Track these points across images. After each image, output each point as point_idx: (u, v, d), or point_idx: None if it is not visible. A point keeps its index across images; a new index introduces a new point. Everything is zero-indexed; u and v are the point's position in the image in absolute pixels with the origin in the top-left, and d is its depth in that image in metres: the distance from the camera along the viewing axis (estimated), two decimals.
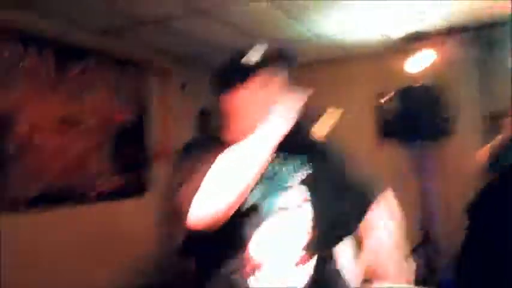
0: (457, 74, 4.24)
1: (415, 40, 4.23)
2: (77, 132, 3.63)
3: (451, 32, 4.10)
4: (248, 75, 1.25)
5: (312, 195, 1.28)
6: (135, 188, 4.21)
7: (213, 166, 1.13)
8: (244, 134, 1.18)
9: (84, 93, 3.74)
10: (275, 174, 1.29)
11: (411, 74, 4.06)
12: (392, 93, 3.97)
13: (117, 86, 4.09)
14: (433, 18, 3.87)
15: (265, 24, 3.87)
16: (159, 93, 4.83)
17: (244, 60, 1.25)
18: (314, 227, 1.25)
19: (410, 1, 3.46)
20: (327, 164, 1.34)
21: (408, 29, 4.15)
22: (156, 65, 4.65)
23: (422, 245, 3.71)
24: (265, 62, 1.27)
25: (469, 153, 3.87)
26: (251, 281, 1.17)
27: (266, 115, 1.16)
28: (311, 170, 1.31)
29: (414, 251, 3.42)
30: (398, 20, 3.93)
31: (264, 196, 1.24)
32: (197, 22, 3.77)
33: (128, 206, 4.15)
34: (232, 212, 1.12)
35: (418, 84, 3.15)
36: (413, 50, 4.23)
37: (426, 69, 4.09)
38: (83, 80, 3.73)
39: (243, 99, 1.28)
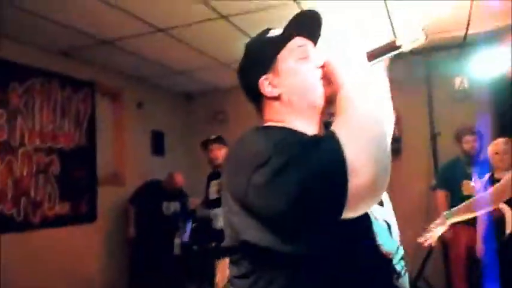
0: (405, 94, 4.40)
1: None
2: (20, 155, 3.41)
3: (400, 54, 4.25)
4: None
5: None
6: (84, 214, 3.99)
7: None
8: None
9: (28, 113, 3.54)
10: None
11: None
12: None
13: (66, 106, 3.91)
14: (383, 40, 4.00)
15: (221, 43, 3.86)
16: (111, 113, 4.68)
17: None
18: None
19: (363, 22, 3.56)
20: None
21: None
22: (107, 85, 4.51)
23: None
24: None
25: (416, 172, 4.00)
26: None
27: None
28: None
29: None
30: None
31: None
32: (151, 42, 3.70)
33: (76, 233, 3.93)
34: None
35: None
36: None
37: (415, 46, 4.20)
38: (26, 100, 3.53)
39: None
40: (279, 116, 1.08)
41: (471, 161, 3.58)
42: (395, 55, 1.08)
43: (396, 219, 1.10)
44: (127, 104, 4.79)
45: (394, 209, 1.13)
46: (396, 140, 4.31)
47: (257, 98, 1.11)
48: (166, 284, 4.38)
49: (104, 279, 4.21)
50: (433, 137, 4.16)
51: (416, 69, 4.30)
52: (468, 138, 3.59)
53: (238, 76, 1.17)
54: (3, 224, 3.24)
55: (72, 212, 3.85)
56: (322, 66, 1.05)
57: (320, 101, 1.05)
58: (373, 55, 1.03)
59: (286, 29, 1.10)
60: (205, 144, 3.80)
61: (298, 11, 1.13)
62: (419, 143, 4.22)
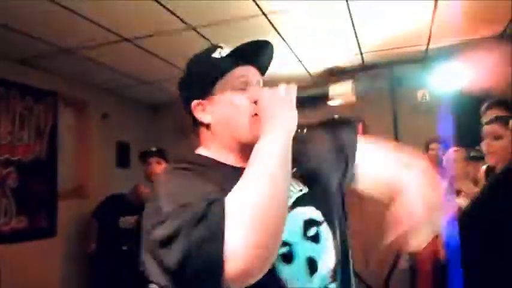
0: (370, 106, 4.52)
1: (332, 75, 4.45)
2: None
3: (364, 68, 4.37)
4: None
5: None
6: (43, 228, 3.81)
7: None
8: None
9: None
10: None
11: (330, 107, 4.23)
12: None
13: (26, 117, 3.75)
14: (348, 55, 4.11)
15: (189, 54, 3.82)
16: (75, 124, 4.54)
17: None
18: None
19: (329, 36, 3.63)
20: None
21: (326, 65, 4.36)
22: (71, 96, 4.38)
23: None
24: None
25: None
26: None
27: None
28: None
29: None
30: (317, 57, 4.11)
31: None
32: (116, 51, 3.62)
33: (34, 249, 3.74)
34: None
35: (337, 117, 3.30)
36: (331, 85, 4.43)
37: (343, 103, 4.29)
38: None
39: None
40: (206, 143, 1.09)
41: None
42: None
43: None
44: (92, 114, 4.66)
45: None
46: None
47: (193, 119, 1.10)
48: None
49: None
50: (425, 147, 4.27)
51: (380, 82, 4.42)
52: (433, 146, 3.72)
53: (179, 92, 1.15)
54: None
55: (30, 227, 3.67)
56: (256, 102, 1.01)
57: (246, 137, 1.01)
58: (302, 101, 1.03)
59: (232, 53, 1.06)
60: (144, 157, 3.50)
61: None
62: None
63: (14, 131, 3.64)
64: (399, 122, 4.39)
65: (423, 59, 4.32)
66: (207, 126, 1.07)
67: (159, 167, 3.34)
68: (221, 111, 1.05)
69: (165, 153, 3.57)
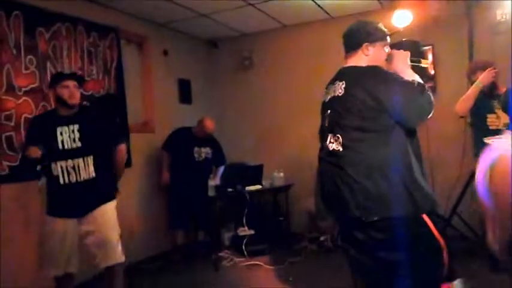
0: (443, 28, 4.19)
1: None
2: (52, 100, 3.43)
3: None
4: None
5: None
6: None
7: None
8: None
9: (57, 59, 3.52)
10: None
11: (398, 30, 3.97)
12: None
13: (93, 52, 3.87)
14: None
15: None
16: (138, 61, 4.64)
17: None
18: None
19: None
20: None
21: None
22: (132, 32, 4.44)
23: None
24: None
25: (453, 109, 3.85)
26: None
27: None
28: None
29: None
30: None
31: None
32: None
33: None
34: None
35: (406, 39, 3.08)
36: (398, 6, 4.14)
37: (412, 24, 4.01)
38: (54, 45, 3.50)
39: None
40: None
41: (492, 93, 3.37)
42: None
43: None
44: (153, 51, 4.73)
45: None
46: (431, 79, 4.14)
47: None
48: (204, 224, 4.52)
49: (142, 221, 4.34)
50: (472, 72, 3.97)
51: (456, 3, 4.07)
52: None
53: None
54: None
55: None
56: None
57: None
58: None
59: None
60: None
61: None
62: (457, 77, 4.02)
63: (84, 66, 3.79)
64: (475, 43, 4.05)
65: None
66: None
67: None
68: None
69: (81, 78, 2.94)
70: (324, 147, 1.92)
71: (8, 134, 3.13)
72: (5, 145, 3.11)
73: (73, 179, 2.58)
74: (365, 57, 1.89)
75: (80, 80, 2.78)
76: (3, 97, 3.12)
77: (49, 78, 3.23)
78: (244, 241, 4.24)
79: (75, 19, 3.71)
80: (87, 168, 2.62)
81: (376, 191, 1.69)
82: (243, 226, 4.35)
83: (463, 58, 4.08)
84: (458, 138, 3.91)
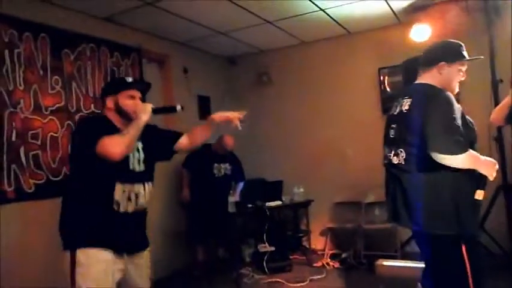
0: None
1: (418, 10, 4.12)
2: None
3: None
4: None
5: None
6: None
7: None
8: None
9: (81, 79, 3.63)
10: None
11: (416, 44, 3.95)
12: None
13: (115, 72, 3.97)
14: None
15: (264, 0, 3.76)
16: (159, 79, 4.74)
17: None
18: None
19: None
20: None
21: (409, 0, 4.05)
22: (153, 51, 4.54)
23: None
24: None
25: (475, 122, 3.78)
26: None
27: None
28: None
29: None
30: None
31: None
32: (191, 4, 3.65)
33: None
34: None
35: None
36: (417, 21, 4.13)
37: (431, 38, 3.99)
38: (79, 66, 3.61)
39: None
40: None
41: None
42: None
43: None
44: (173, 69, 4.82)
45: None
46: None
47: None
48: (224, 239, 4.52)
49: (163, 238, 4.37)
50: (495, 84, 3.92)
51: (476, 16, 4.03)
52: None
53: None
54: None
55: None
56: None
57: None
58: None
59: None
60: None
61: None
62: (479, 91, 3.97)
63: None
64: (496, 57, 3.99)
65: None
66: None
67: None
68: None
69: None
70: (386, 157, 2.04)
71: (34, 152, 3.22)
72: (32, 163, 3.20)
73: (131, 208, 2.03)
74: (439, 75, 1.93)
75: (146, 91, 2.25)
76: (31, 116, 3.21)
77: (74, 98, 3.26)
78: (265, 257, 4.22)
79: (98, 40, 3.82)
80: (146, 197, 2.12)
81: (426, 207, 1.82)
82: (263, 242, 4.34)
83: (484, 71, 4.02)
84: (483, 152, 3.83)
